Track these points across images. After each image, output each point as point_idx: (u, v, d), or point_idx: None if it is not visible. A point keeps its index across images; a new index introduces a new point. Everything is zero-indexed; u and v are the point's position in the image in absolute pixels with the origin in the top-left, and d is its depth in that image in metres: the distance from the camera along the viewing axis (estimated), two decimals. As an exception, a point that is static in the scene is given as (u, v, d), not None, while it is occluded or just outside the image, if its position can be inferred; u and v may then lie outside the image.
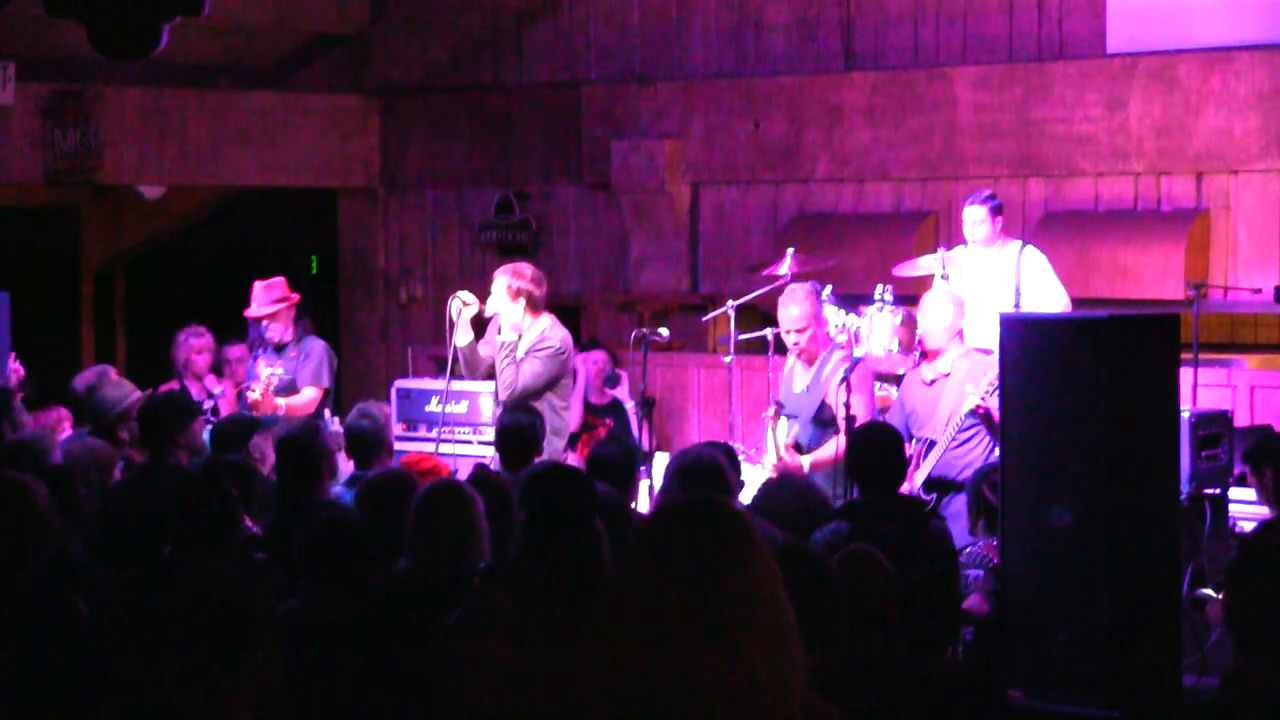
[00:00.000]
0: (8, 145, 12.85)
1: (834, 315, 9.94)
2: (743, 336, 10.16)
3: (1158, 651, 6.53)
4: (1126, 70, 11.50)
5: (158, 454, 7.91)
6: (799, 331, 9.11)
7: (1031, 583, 6.60)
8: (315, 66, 14.87)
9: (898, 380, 9.60)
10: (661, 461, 9.28)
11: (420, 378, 12.42)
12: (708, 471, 6.90)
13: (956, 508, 8.15)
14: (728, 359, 10.27)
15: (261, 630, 3.27)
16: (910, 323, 9.55)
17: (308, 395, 10.01)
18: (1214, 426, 8.68)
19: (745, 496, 7.51)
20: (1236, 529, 8.52)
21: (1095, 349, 6.47)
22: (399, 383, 11.79)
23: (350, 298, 14.99)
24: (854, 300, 10.09)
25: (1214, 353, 11.21)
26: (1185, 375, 8.15)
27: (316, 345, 10.25)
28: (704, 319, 11.87)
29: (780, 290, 9.46)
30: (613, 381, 11.99)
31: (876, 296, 9.83)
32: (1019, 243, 10.08)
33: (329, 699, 5.34)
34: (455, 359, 9.33)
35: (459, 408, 10.87)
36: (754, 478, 8.33)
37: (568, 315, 11.20)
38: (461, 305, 9.27)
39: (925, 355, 9.15)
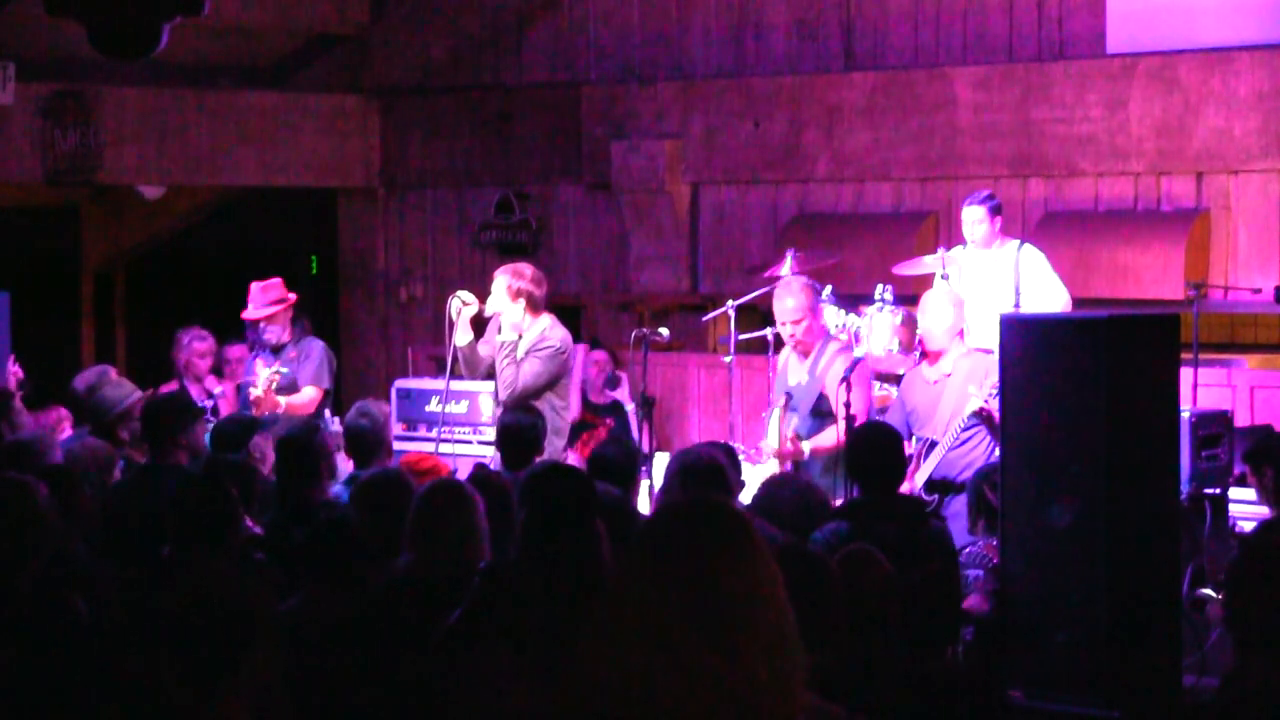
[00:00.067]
0: (8, 145, 12.85)
1: (834, 315, 9.94)
2: (743, 336, 10.16)
3: (1158, 651, 6.53)
4: (1126, 70, 11.51)
5: (158, 454, 7.91)
6: (795, 323, 9.11)
7: (1031, 583, 6.60)
8: (315, 66, 14.88)
9: (898, 380, 9.60)
10: (661, 462, 9.28)
11: (420, 378, 12.42)
12: (708, 472, 6.90)
13: (957, 508, 8.16)
14: (728, 359, 10.27)
15: (261, 630, 3.26)
16: (910, 323, 9.55)
17: (308, 395, 10.01)
18: (1214, 426, 8.68)
19: (745, 496, 7.52)
20: (1236, 529, 8.52)
21: (1095, 349, 6.47)
22: (399, 383, 11.79)
23: (350, 298, 14.98)
24: (854, 300, 10.09)
25: (1214, 353, 11.22)
26: (1185, 375, 8.15)
27: (316, 346, 10.24)
28: (704, 319, 11.87)
29: (780, 289, 9.46)
30: (613, 384, 11.99)
31: (876, 296, 9.83)
32: (1017, 242, 10.08)
33: (329, 699, 5.34)
34: (455, 359, 9.33)
35: (459, 408, 10.87)
36: (754, 478, 8.34)
37: (568, 315, 11.20)
38: (461, 305, 9.27)
39: (926, 355, 9.15)
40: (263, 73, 14.81)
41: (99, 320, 15.49)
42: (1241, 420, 9.84)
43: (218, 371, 11.30)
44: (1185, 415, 8.02)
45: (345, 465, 8.41)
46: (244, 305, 10.37)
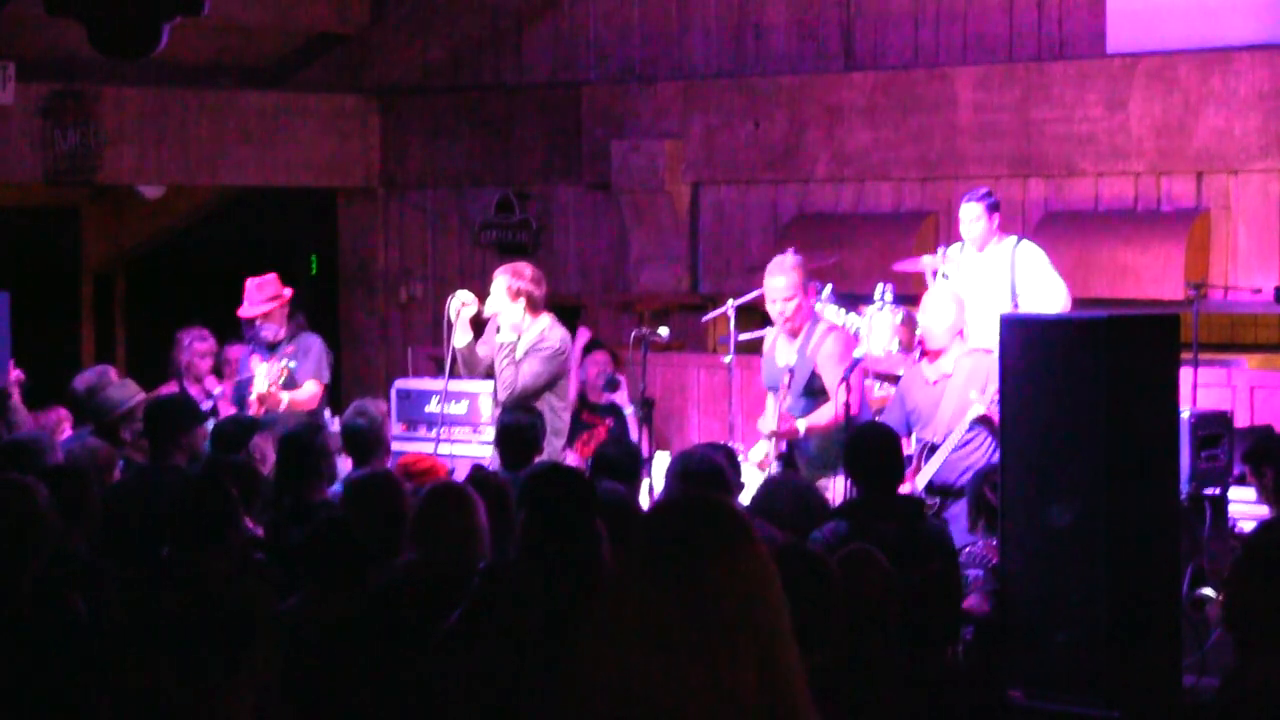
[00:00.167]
0: (8, 145, 12.85)
1: (834, 315, 9.95)
2: (743, 336, 10.15)
3: (1158, 651, 6.53)
4: (1126, 70, 11.50)
5: (158, 455, 7.91)
6: (785, 300, 9.10)
7: (1031, 583, 6.60)
8: (315, 66, 14.87)
9: (897, 380, 9.60)
10: (661, 462, 9.28)
11: (420, 378, 12.42)
12: (708, 473, 6.91)
13: (957, 510, 8.16)
14: (728, 359, 10.27)
15: (261, 630, 3.26)
16: (910, 322, 9.56)
17: (309, 390, 10.01)
18: (1214, 426, 8.68)
19: (745, 497, 7.52)
20: (1236, 529, 8.52)
21: (1095, 349, 6.48)
22: (399, 383, 11.79)
23: (350, 298, 14.98)
24: (854, 300, 10.09)
25: (1214, 353, 11.21)
26: (1185, 375, 8.15)
27: (314, 341, 10.24)
28: (704, 319, 11.87)
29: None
30: (612, 386, 11.99)
31: (876, 296, 9.83)
32: (1014, 239, 10.07)
33: (329, 699, 5.34)
34: (454, 359, 9.34)
35: (458, 408, 10.88)
36: (753, 478, 8.34)
37: (568, 315, 11.20)
38: (460, 305, 9.28)
39: (926, 354, 9.16)
40: (263, 73, 14.81)
41: (99, 320, 15.49)
42: (1241, 420, 9.84)
43: (218, 371, 11.30)
44: (1185, 415, 8.03)
45: (345, 465, 8.42)
46: (241, 304, 10.37)
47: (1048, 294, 9.75)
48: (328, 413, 10.19)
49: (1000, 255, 9.92)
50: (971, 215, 9.95)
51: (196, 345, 11.23)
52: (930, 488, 8.67)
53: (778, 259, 9.36)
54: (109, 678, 3.87)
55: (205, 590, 3.31)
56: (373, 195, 14.71)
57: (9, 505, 5.20)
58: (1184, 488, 7.81)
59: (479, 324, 9.46)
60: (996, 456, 7.50)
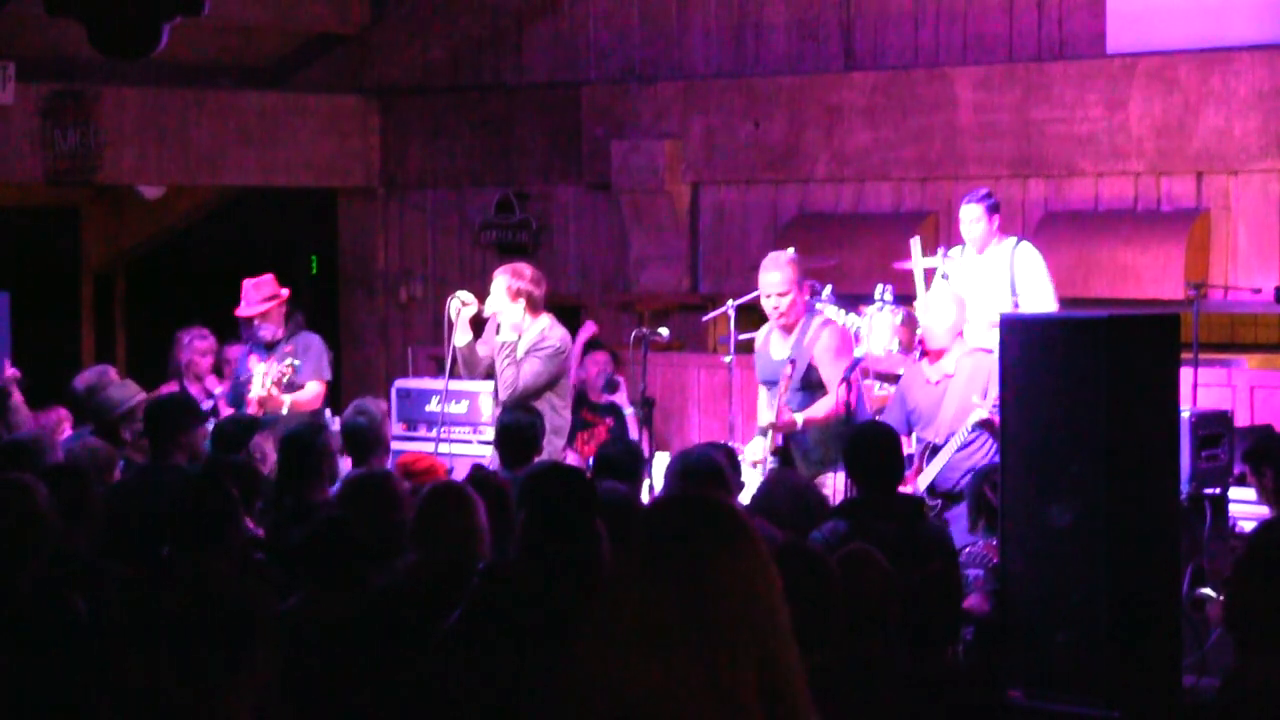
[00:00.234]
0: (8, 145, 12.85)
1: (834, 315, 9.94)
2: (743, 336, 10.15)
3: (1158, 651, 6.53)
4: (1126, 70, 11.50)
5: (159, 454, 7.91)
6: (780, 295, 9.08)
7: (1031, 583, 6.60)
8: (315, 66, 14.87)
9: (897, 380, 9.61)
10: (661, 462, 9.28)
11: (420, 377, 12.42)
12: (708, 473, 6.91)
13: (958, 511, 8.16)
14: (728, 359, 10.27)
15: (261, 630, 3.26)
16: (910, 322, 9.56)
17: (312, 390, 10.00)
18: (1214, 426, 8.68)
19: (744, 496, 7.52)
20: (1236, 529, 8.52)
21: (1095, 349, 6.48)
22: (399, 382, 11.79)
23: (350, 298, 14.98)
24: (854, 300, 10.09)
25: (1214, 353, 11.21)
26: (1185, 375, 8.15)
27: (313, 340, 10.24)
28: (704, 319, 11.87)
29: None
30: (611, 388, 11.99)
31: (876, 296, 9.83)
32: (1014, 240, 10.08)
33: (329, 699, 5.34)
34: (454, 359, 9.34)
35: (458, 407, 10.88)
36: (751, 478, 8.35)
37: (568, 315, 11.20)
38: (460, 305, 9.28)
39: (926, 354, 9.16)
40: (263, 73, 14.81)
41: (99, 320, 15.49)
42: (1241, 420, 9.84)
43: (218, 371, 11.30)
44: (1185, 415, 8.02)
45: (346, 465, 8.42)
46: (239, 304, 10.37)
47: (1036, 299, 9.74)
48: (328, 412, 10.18)
49: (1000, 256, 9.92)
50: (972, 216, 9.95)
51: (197, 344, 11.23)
52: (932, 490, 8.67)
53: (773, 254, 9.37)
54: (109, 678, 3.87)
55: (205, 590, 3.31)
56: (373, 195, 14.71)
57: (9, 505, 5.20)
58: (1184, 488, 7.81)
59: (479, 324, 9.46)
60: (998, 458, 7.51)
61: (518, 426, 8.31)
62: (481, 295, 9.35)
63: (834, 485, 8.46)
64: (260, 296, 10.16)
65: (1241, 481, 8.48)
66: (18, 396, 9.42)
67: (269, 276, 10.25)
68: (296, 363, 9.83)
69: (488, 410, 10.53)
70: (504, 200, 14.08)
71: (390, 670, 5.40)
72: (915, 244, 10.22)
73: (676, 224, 13.27)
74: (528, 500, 5.48)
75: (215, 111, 13.85)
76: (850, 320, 9.87)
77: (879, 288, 9.89)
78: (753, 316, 10.97)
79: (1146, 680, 6.49)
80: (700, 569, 2.66)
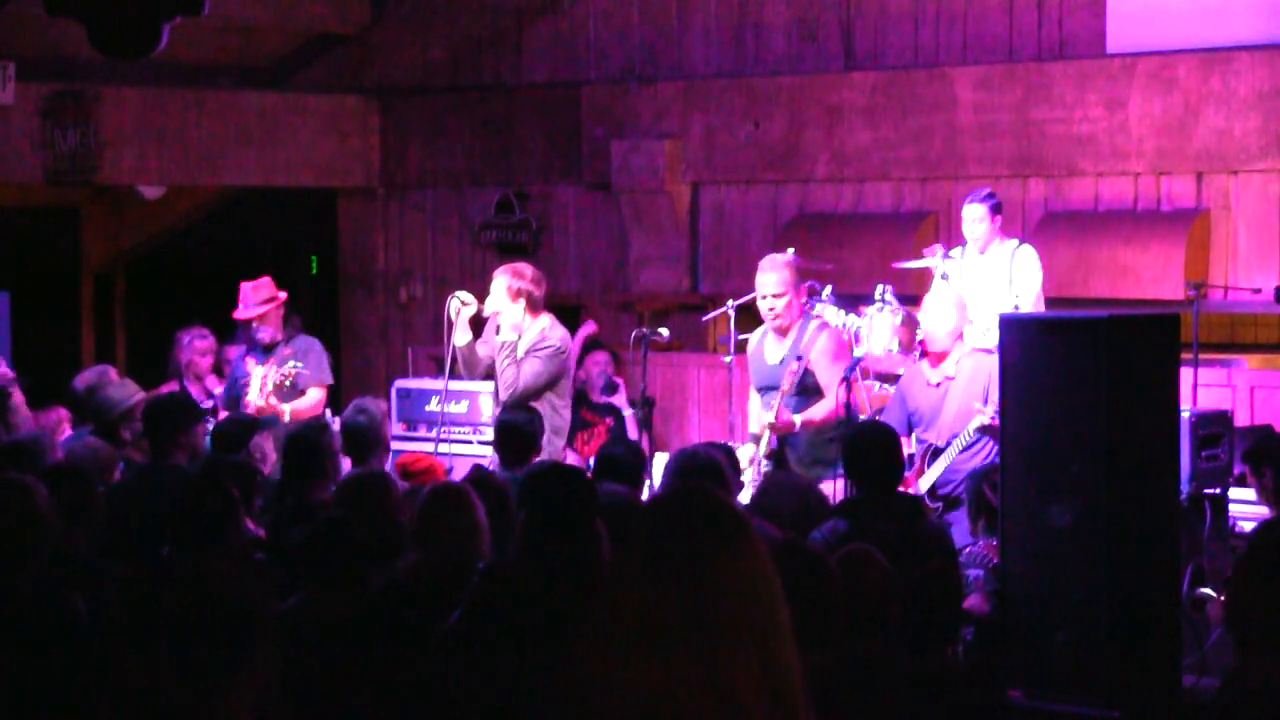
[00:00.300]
0: (8, 145, 12.84)
1: (834, 315, 9.94)
2: (742, 336, 10.15)
3: (1158, 651, 6.53)
4: (1126, 70, 11.50)
5: (159, 454, 7.91)
6: (776, 297, 9.09)
7: (1031, 583, 6.60)
8: (315, 66, 14.87)
9: (897, 380, 9.60)
10: (661, 462, 9.28)
11: (420, 378, 12.42)
12: (708, 471, 6.90)
13: (958, 515, 8.16)
14: (728, 359, 10.27)
15: (261, 630, 3.26)
16: (910, 323, 9.56)
17: (313, 397, 9.97)
18: (1214, 426, 8.68)
19: (743, 496, 7.52)
20: (1236, 529, 8.52)
21: (1095, 349, 6.48)
22: (399, 383, 11.79)
23: (350, 298, 14.98)
24: (854, 300, 10.09)
25: (1214, 353, 11.21)
26: (1185, 375, 8.15)
27: (314, 344, 10.22)
28: (704, 319, 11.87)
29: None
30: (610, 389, 11.99)
31: (876, 296, 9.83)
32: (1015, 241, 10.09)
33: (329, 699, 5.34)
34: (454, 359, 9.34)
35: (458, 407, 10.88)
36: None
37: (568, 315, 11.20)
38: (460, 305, 9.28)
39: (927, 355, 9.16)
40: (263, 73, 14.81)
41: (99, 320, 15.48)
42: (1241, 420, 9.84)
43: (219, 371, 11.29)
44: (1185, 415, 8.02)
45: (347, 466, 8.41)
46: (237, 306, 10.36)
47: (1022, 301, 9.72)
48: (329, 412, 10.18)
49: (1001, 256, 9.93)
50: (974, 216, 9.95)
51: (197, 344, 11.22)
52: (933, 493, 8.67)
53: (770, 256, 9.38)
54: (109, 678, 3.87)
55: (205, 590, 3.31)
56: (373, 195, 14.71)
57: (9, 505, 5.20)
58: (1184, 488, 7.81)
59: (479, 324, 9.46)
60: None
61: (516, 426, 8.31)
62: (481, 295, 9.35)
63: (831, 490, 8.46)
64: (258, 299, 10.14)
65: (1241, 481, 8.47)
66: (18, 396, 9.42)
67: (266, 279, 10.24)
68: (300, 365, 9.82)
69: (488, 410, 10.53)
70: (504, 200, 14.08)
71: (390, 670, 5.40)
72: (936, 252, 10.20)
73: (676, 224, 13.26)
74: (528, 500, 5.48)
75: (215, 111, 13.84)
76: (850, 320, 9.87)
77: (879, 288, 9.88)
78: (753, 317, 10.96)
79: (1146, 680, 6.49)
80: (700, 568, 2.65)
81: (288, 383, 9.72)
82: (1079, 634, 6.45)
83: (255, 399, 9.65)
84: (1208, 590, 7.39)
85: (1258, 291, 10.58)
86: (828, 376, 8.96)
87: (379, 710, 5.36)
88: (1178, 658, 6.67)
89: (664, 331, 10.30)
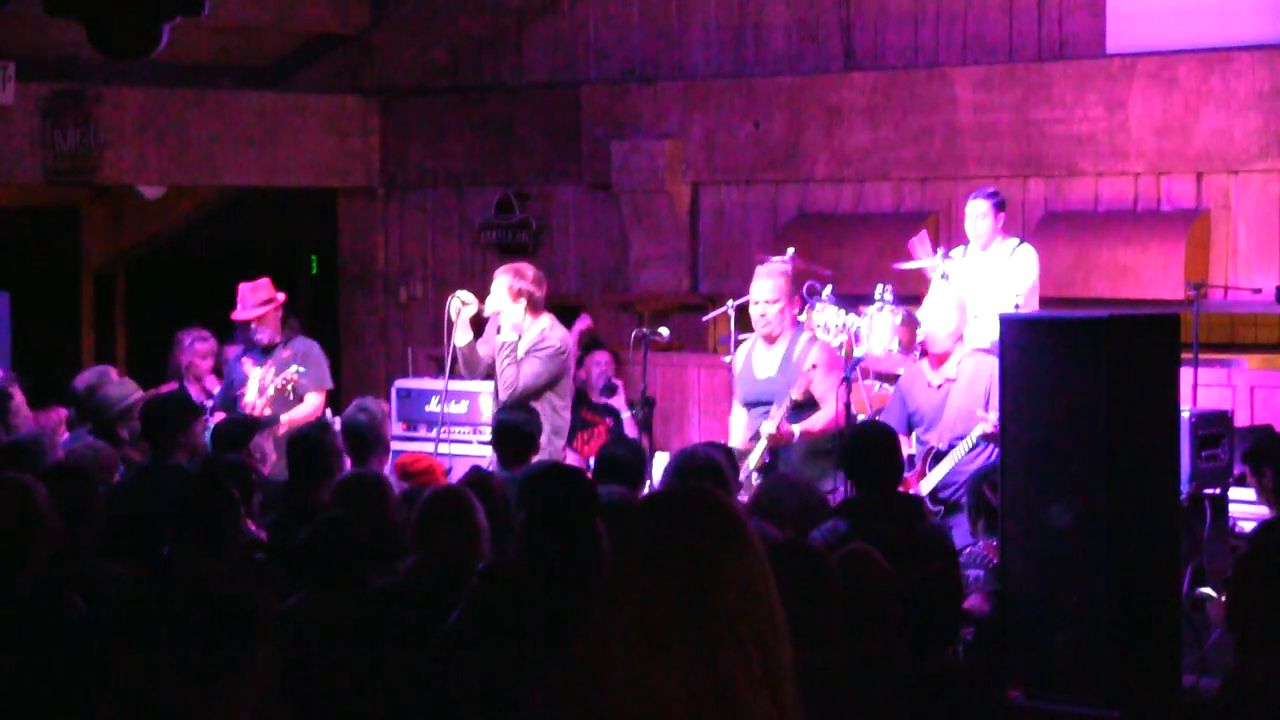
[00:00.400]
0: (8, 145, 12.85)
1: (834, 315, 9.95)
2: (742, 336, 10.15)
3: (1158, 651, 6.53)
4: (1126, 70, 11.50)
5: (158, 454, 7.91)
6: (769, 303, 9.08)
7: (1031, 583, 6.60)
8: (315, 66, 14.87)
9: (897, 380, 9.60)
10: (661, 462, 9.28)
11: (420, 377, 12.41)
12: (707, 471, 6.90)
13: (959, 519, 8.16)
14: (728, 359, 10.27)
15: (261, 630, 3.26)
16: (910, 323, 9.56)
17: (312, 403, 9.95)
18: (1214, 426, 8.68)
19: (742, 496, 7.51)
20: (1236, 529, 8.52)
21: (1095, 349, 6.48)
22: (399, 382, 11.79)
23: (350, 298, 14.98)
24: (854, 300, 10.09)
25: (1214, 353, 11.21)
26: (1185, 375, 8.15)
27: (313, 347, 10.20)
28: (704, 319, 11.87)
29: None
30: (609, 391, 11.98)
31: (876, 296, 9.83)
32: (1016, 240, 10.09)
33: (329, 699, 5.34)
34: (454, 359, 9.34)
35: (459, 407, 10.88)
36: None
37: (568, 315, 11.20)
38: (460, 305, 9.28)
39: (927, 355, 9.16)
40: (263, 73, 14.81)
41: (99, 321, 15.49)
42: (1241, 420, 9.84)
43: (219, 372, 11.29)
44: (1185, 415, 8.02)
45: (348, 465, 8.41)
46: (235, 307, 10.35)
47: (1013, 298, 9.71)
48: (329, 413, 10.18)
49: (1002, 255, 9.93)
50: (977, 212, 9.96)
51: (197, 345, 11.22)
52: (934, 496, 8.66)
53: (768, 264, 9.39)
54: (109, 678, 3.87)
55: (205, 590, 3.31)
56: (373, 195, 14.71)
57: (9, 505, 5.20)
58: (1184, 488, 7.81)
59: (479, 324, 9.46)
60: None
61: (514, 426, 8.31)
62: (482, 295, 9.35)
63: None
64: (256, 300, 10.14)
65: (1241, 481, 8.47)
66: (19, 397, 9.41)
67: (265, 280, 10.24)
68: (302, 369, 9.81)
69: (488, 410, 10.52)
70: (504, 200, 14.08)
71: (390, 670, 5.40)
72: (923, 240, 10.19)
73: (676, 224, 13.26)
74: (528, 500, 5.48)
75: (215, 111, 13.84)
76: (850, 320, 9.87)
77: (879, 288, 9.89)
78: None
79: (1146, 680, 6.49)
80: (699, 567, 2.65)
81: (290, 388, 9.71)
82: (1079, 634, 6.45)
83: (253, 400, 9.64)
84: (1208, 590, 7.39)
85: (1258, 291, 10.58)
86: (823, 387, 8.96)
87: (379, 710, 5.36)
88: (1178, 658, 6.68)
89: (664, 331, 10.30)
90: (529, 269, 9.42)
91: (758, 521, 6.78)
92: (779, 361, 9.09)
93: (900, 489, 7.40)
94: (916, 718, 5.08)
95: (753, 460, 8.75)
